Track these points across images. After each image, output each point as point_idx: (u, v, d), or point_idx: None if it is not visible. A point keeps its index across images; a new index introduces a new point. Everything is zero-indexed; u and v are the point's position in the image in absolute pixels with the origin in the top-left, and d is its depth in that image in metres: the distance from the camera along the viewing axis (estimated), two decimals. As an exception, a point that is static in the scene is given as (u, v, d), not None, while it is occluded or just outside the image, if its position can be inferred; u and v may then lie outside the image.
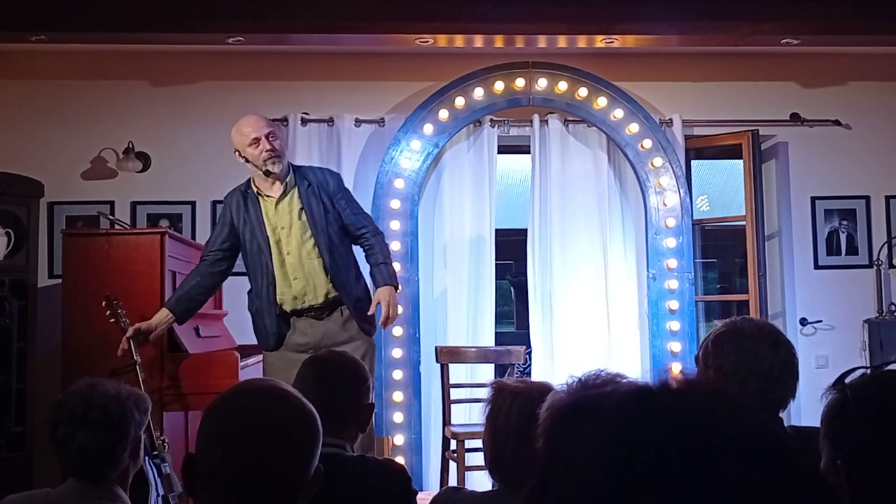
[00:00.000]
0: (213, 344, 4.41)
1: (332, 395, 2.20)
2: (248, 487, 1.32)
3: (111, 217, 4.91)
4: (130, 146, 5.33)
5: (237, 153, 3.74)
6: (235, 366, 3.96)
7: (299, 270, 3.65)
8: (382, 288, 3.64)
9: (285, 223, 3.67)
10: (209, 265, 3.79)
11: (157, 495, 3.36)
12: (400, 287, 3.85)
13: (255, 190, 3.73)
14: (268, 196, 3.70)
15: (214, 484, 1.33)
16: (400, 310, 3.92)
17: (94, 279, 3.97)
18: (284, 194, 3.68)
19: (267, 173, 3.66)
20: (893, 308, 5.52)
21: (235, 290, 5.24)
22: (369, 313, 3.66)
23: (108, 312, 3.71)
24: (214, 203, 5.47)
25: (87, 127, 5.45)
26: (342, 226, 3.71)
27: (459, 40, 5.22)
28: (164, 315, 3.75)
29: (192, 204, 5.48)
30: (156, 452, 3.50)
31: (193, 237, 5.31)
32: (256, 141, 3.65)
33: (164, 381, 3.90)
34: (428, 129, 5.28)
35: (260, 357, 4.69)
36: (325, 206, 3.68)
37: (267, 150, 3.63)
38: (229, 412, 1.38)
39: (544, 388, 1.93)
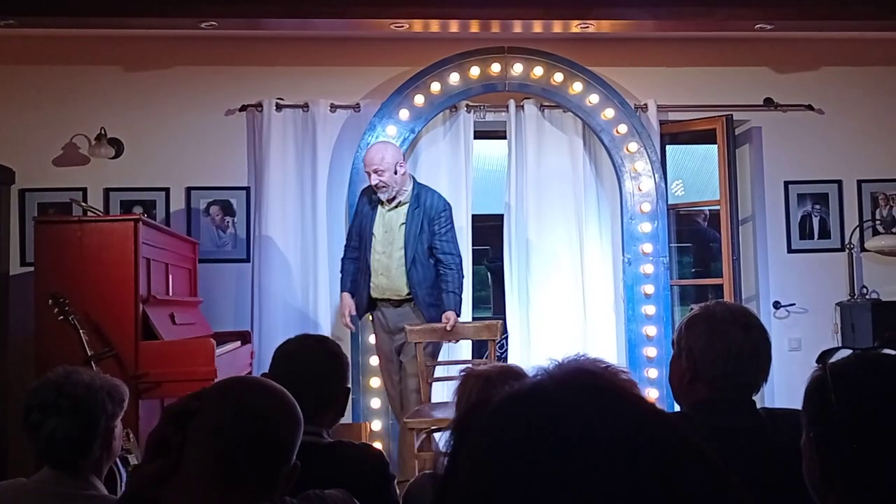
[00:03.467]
0: (188, 331, 4.38)
1: (307, 381, 2.19)
2: (228, 479, 1.32)
3: (84, 204, 4.85)
4: (103, 132, 5.28)
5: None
6: (211, 353, 3.94)
7: (387, 270, 4.50)
8: (449, 312, 4.47)
9: (388, 229, 4.52)
10: (351, 261, 4.70)
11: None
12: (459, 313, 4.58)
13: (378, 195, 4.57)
14: (384, 203, 4.56)
15: (195, 474, 1.33)
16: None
17: (66, 267, 3.93)
18: (397, 206, 4.55)
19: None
20: (865, 291, 5.59)
21: (210, 277, 5.23)
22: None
23: (56, 311, 3.66)
24: (188, 189, 5.44)
25: (59, 113, 5.38)
26: (431, 246, 4.51)
27: (435, 25, 5.20)
28: (348, 297, 4.65)
29: (166, 190, 5.43)
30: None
31: (167, 224, 5.27)
32: (368, 174, 4.53)
33: (140, 369, 3.88)
34: (404, 114, 5.26)
35: (236, 344, 4.69)
36: (422, 227, 4.50)
37: (373, 184, 4.50)
38: (216, 407, 1.38)
39: (507, 372, 1.94)
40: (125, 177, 5.40)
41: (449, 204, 4.69)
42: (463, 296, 4.66)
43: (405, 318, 4.52)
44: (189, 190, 5.45)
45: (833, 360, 1.34)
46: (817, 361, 1.35)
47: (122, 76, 5.47)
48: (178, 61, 5.49)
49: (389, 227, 4.54)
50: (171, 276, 4.44)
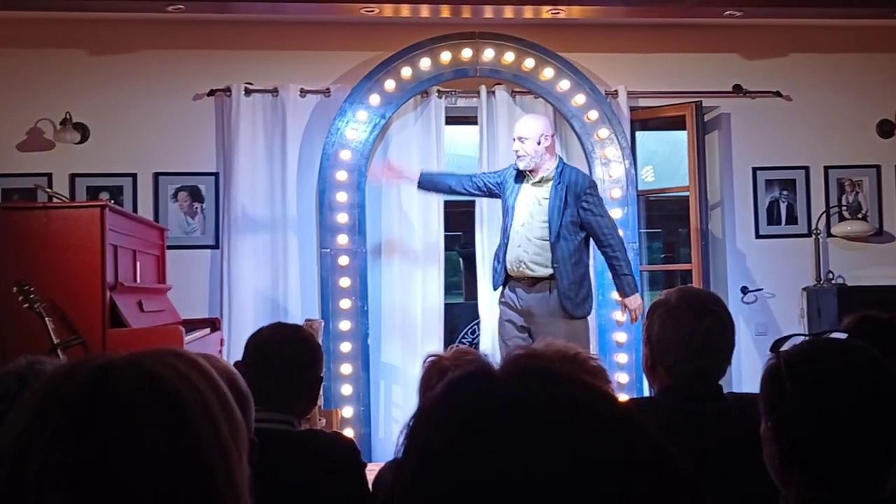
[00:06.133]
0: (156, 318, 4.34)
1: (280, 370, 2.19)
2: None
3: (49, 190, 4.79)
4: (68, 117, 5.20)
5: None
6: (180, 340, 3.90)
7: (526, 243, 4.37)
8: (634, 297, 4.46)
9: (530, 202, 4.41)
10: (468, 180, 4.68)
11: None
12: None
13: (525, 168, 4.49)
14: (529, 176, 4.45)
15: None
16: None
17: (31, 254, 3.86)
18: (541, 181, 4.42)
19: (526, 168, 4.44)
20: (831, 276, 5.67)
21: (179, 264, 5.18)
22: (620, 321, 4.81)
23: (21, 298, 3.61)
24: (156, 175, 5.38)
25: (23, 97, 5.29)
26: (575, 222, 4.37)
27: (405, 10, 5.17)
28: (413, 169, 4.78)
29: (134, 176, 5.37)
30: None
31: (135, 210, 5.21)
32: (513, 140, 4.47)
33: (107, 357, 3.82)
34: (374, 99, 5.23)
35: (206, 331, 4.65)
36: (566, 202, 4.35)
37: (515, 150, 4.43)
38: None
39: (465, 358, 1.94)
40: (91, 162, 5.33)
41: (594, 181, 4.65)
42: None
43: (538, 304, 4.35)
44: (157, 175, 5.39)
45: (787, 347, 1.36)
46: (771, 350, 1.37)
47: (88, 60, 5.39)
48: (144, 45, 5.42)
49: (532, 201, 4.41)
50: (138, 263, 4.39)
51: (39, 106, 5.28)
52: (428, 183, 4.71)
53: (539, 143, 4.40)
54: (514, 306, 4.42)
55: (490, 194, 4.69)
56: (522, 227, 4.40)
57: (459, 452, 0.65)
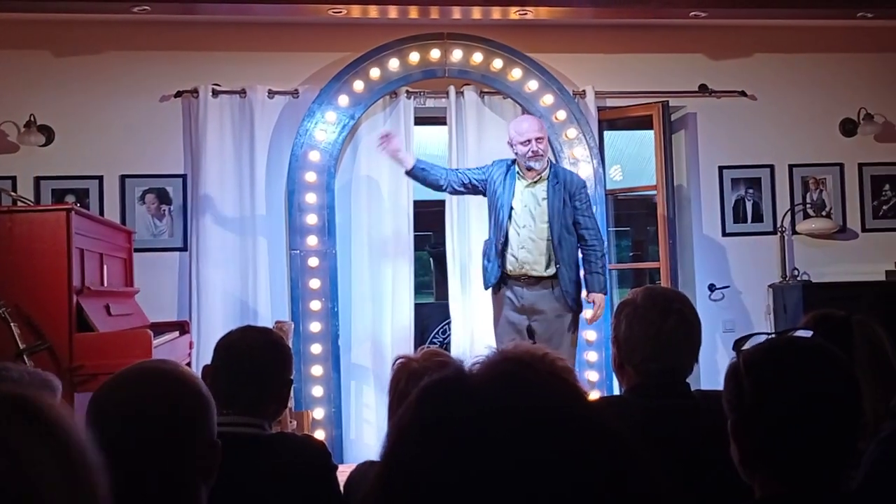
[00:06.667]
0: (124, 322, 4.30)
1: (249, 373, 2.18)
2: (135, 468, 1.32)
3: (13, 193, 4.71)
4: (32, 119, 5.13)
5: (509, 142, 4.49)
6: (148, 344, 3.87)
7: (529, 244, 4.40)
8: (600, 294, 4.49)
9: (529, 203, 4.42)
10: (454, 177, 4.63)
11: None
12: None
13: (517, 168, 4.49)
14: (524, 177, 4.45)
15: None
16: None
17: (-4, 258, 3.81)
18: (537, 182, 4.44)
19: (528, 168, 4.42)
20: (796, 273, 5.74)
21: (147, 267, 5.14)
22: (587, 320, 4.59)
23: None
24: (123, 177, 5.33)
25: (-15, 99, 5.22)
26: (574, 221, 4.43)
27: (373, 11, 5.16)
28: (409, 156, 4.66)
29: (100, 178, 5.31)
30: None
31: (102, 213, 5.16)
32: (528, 141, 4.38)
33: (74, 362, 3.79)
34: (343, 100, 5.22)
35: (175, 335, 4.61)
36: (564, 202, 4.41)
37: (533, 151, 4.38)
38: (105, 396, 1.41)
39: (434, 359, 1.95)
40: (56, 165, 5.27)
41: (585, 180, 4.68)
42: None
43: (542, 300, 4.40)
44: (123, 178, 5.34)
45: (750, 345, 1.39)
46: (733, 349, 1.39)
47: (52, 61, 5.32)
48: (109, 46, 5.36)
49: (531, 202, 4.43)
50: (105, 267, 4.34)
51: (2, 108, 5.20)
52: (420, 172, 4.61)
53: (545, 142, 4.49)
54: (515, 305, 4.43)
55: (474, 191, 4.66)
56: (525, 229, 4.41)
57: (434, 458, 0.65)
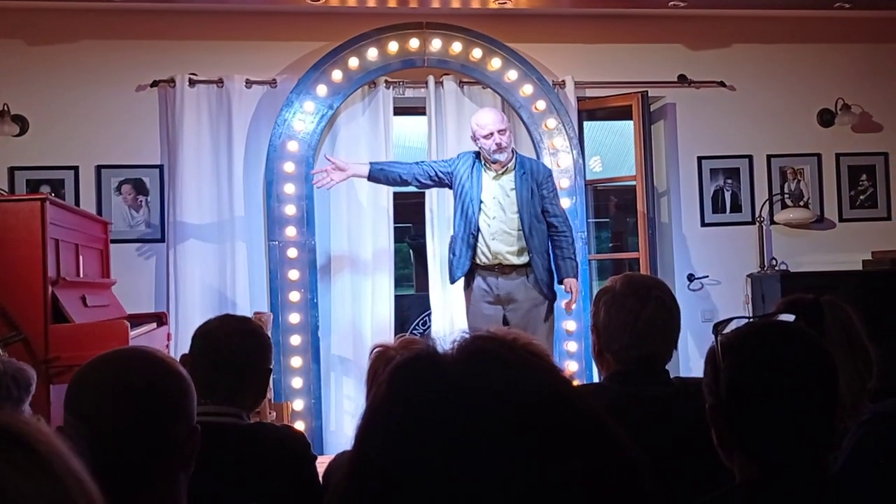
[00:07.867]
0: (101, 313, 4.25)
1: (227, 362, 2.16)
2: (114, 449, 1.30)
3: (-13, 184, 4.66)
4: (6, 109, 5.06)
5: (472, 136, 4.48)
6: (125, 335, 3.83)
7: (501, 235, 4.40)
8: (573, 279, 4.45)
9: (497, 194, 4.43)
10: (418, 168, 4.57)
11: None
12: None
13: (482, 161, 4.49)
14: (490, 169, 4.46)
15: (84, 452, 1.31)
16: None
17: (-31, 249, 3.76)
18: (504, 173, 4.45)
19: (494, 161, 4.41)
20: (774, 262, 5.78)
21: (124, 258, 5.09)
22: (565, 308, 4.57)
23: None
24: (99, 168, 5.27)
25: (-42, 88, 5.14)
26: (543, 209, 4.44)
27: (352, -1, 5.13)
28: (361, 165, 4.62)
29: (75, 169, 5.25)
30: None
31: (77, 204, 5.10)
32: (490, 135, 4.37)
33: (50, 353, 3.75)
34: (321, 90, 5.19)
35: (152, 326, 4.57)
36: (532, 191, 4.42)
37: (496, 143, 4.37)
38: (85, 379, 1.38)
39: (412, 348, 1.94)
40: (31, 155, 5.20)
41: (549, 168, 4.72)
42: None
43: (518, 289, 4.41)
44: (99, 168, 5.28)
45: (727, 330, 1.38)
46: (713, 332, 1.39)
47: (25, 50, 5.25)
48: (84, 35, 5.29)
49: (499, 194, 4.43)
50: (81, 258, 4.30)
51: (-25, 97, 5.13)
52: (378, 173, 4.60)
53: (509, 133, 4.48)
54: (490, 296, 4.43)
55: (440, 184, 4.64)
56: (495, 220, 4.41)
57: (407, 436, 0.64)
